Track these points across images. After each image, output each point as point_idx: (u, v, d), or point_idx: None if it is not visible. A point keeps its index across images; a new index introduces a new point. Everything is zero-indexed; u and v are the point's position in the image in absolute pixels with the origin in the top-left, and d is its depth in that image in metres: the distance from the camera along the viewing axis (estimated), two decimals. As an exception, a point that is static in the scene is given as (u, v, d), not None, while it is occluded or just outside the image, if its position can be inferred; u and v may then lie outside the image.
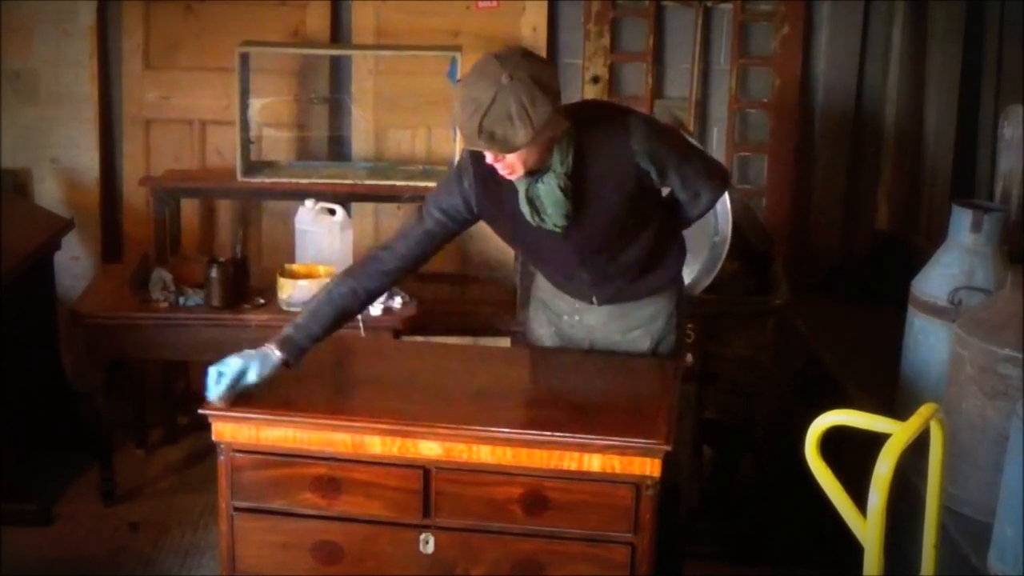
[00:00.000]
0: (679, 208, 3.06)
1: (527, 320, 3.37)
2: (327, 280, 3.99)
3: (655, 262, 3.08)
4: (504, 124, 2.60)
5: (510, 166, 2.73)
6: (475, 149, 2.72)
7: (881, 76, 4.84)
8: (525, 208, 2.84)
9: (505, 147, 2.64)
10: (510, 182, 2.83)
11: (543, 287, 3.24)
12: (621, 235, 2.97)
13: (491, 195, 2.89)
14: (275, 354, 2.82)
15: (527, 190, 2.82)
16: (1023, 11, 4.28)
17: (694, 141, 3.46)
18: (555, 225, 2.86)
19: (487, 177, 2.85)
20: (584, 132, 2.81)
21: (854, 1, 4.78)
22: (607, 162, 2.84)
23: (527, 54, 2.70)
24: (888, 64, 4.82)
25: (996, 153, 4.04)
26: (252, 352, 2.82)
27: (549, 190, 2.80)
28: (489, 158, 2.73)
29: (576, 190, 2.82)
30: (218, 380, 2.77)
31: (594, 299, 3.11)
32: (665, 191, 3.07)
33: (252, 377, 2.79)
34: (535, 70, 2.64)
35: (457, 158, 4.46)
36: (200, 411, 2.81)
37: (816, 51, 4.87)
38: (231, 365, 2.78)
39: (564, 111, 2.77)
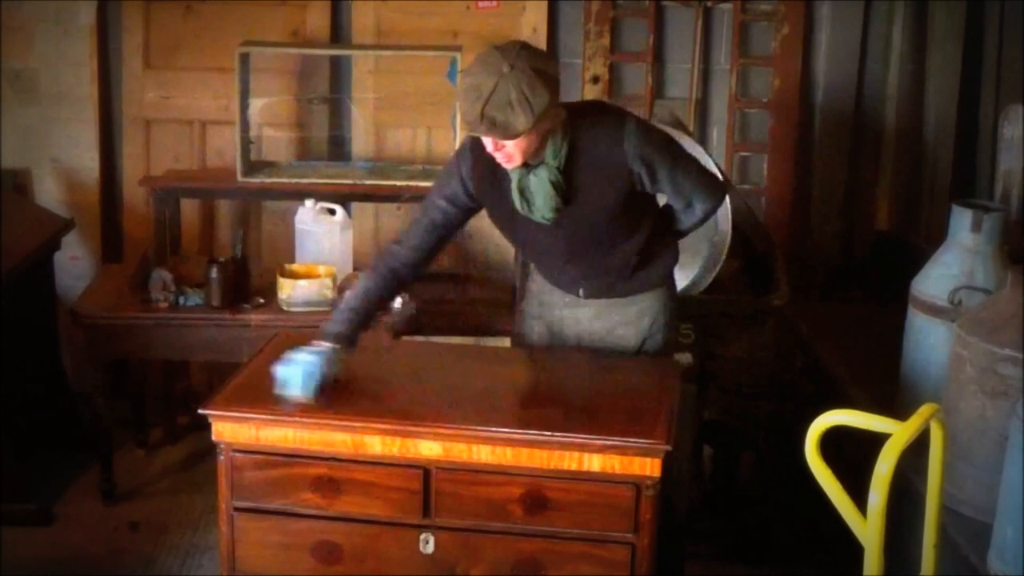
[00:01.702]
0: (673, 217, 3.13)
1: (520, 313, 3.39)
2: (327, 280, 4.04)
3: (645, 263, 3.13)
4: (505, 111, 2.68)
5: (509, 155, 2.81)
6: (476, 135, 2.80)
7: (881, 76, 4.84)
8: (516, 198, 2.92)
9: (506, 133, 2.72)
10: (506, 172, 2.91)
11: (537, 280, 3.29)
12: (609, 234, 3.03)
13: (488, 182, 2.98)
14: (335, 349, 2.87)
15: (519, 180, 2.90)
16: (1023, 11, 4.28)
17: (696, 152, 3.48)
18: (543, 217, 2.94)
19: (484, 164, 2.93)
20: (580, 130, 2.89)
21: (854, 1, 4.78)
22: (599, 161, 2.91)
23: (527, 46, 2.80)
24: (888, 64, 4.82)
25: (996, 153, 4.04)
26: (313, 350, 2.84)
27: (540, 182, 2.88)
28: (489, 147, 2.82)
29: (567, 185, 2.90)
30: (308, 379, 2.78)
31: (581, 292, 3.17)
32: (662, 199, 3.13)
33: (327, 371, 2.82)
34: (535, 61, 2.74)
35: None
36: (200, 411, 2.81)
37: (816, 51, 4.87)
38: (313, 362, 2.80)
39: (563, 107, 2.85)
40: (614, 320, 3.18)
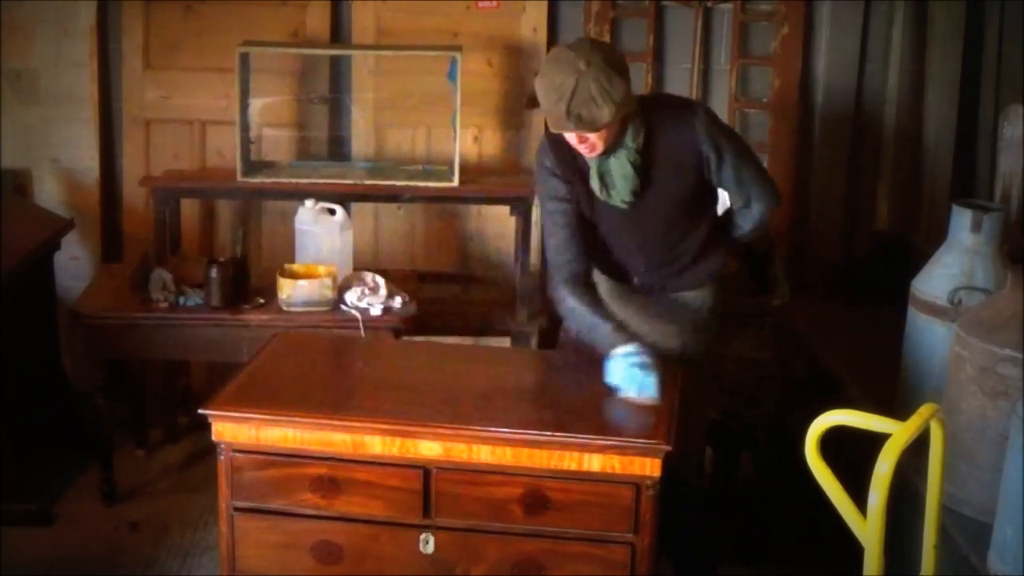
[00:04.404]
0: (731, 220, 3.25)
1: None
2: (327, 280, 4.03)
3: (697, 260, 3.22)
4: (589, 105, 2.81)
5: (592, 145, 2.95)
6: (564, 131, 2.91)
7: (881, 76, 4.84)
8: (596, 183, 3.04)
9: (592, 126, 2.86)
10: (584, 163, 3.04)
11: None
12: (680, 221, 3.15)
13: (571, 172, 3.09)
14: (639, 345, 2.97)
15: (599, 166, 3.01)
16: (1023, 11, 4.28)
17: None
18: (622, 200, 3.05)
19: (564, 157, 3.07)
20: (653, 115, 3.03)
21: (854, 1, 4.78)
22: (674, 143, 3.04)
23: (595, 41, 2.97)
24: (888, 64, 4.81)
25: (996, 153, 4.03)
26: (630, 349, 2.94)
27: (620, 164, 3.00)
28: (573, 141, 2.95)
29: (644, 168, 3.02)
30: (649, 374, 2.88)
31: (636, 281, 3.24)
32: (723, 200, 3.23)
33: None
34: (607, 53, 2.89)
35: (456, 157, 4.49)
36: (200, 411, 2.82)
37: (816, 51, 4.87)
38: (651, 359, 2.91)
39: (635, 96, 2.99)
40: (659, 318, 3.23)
